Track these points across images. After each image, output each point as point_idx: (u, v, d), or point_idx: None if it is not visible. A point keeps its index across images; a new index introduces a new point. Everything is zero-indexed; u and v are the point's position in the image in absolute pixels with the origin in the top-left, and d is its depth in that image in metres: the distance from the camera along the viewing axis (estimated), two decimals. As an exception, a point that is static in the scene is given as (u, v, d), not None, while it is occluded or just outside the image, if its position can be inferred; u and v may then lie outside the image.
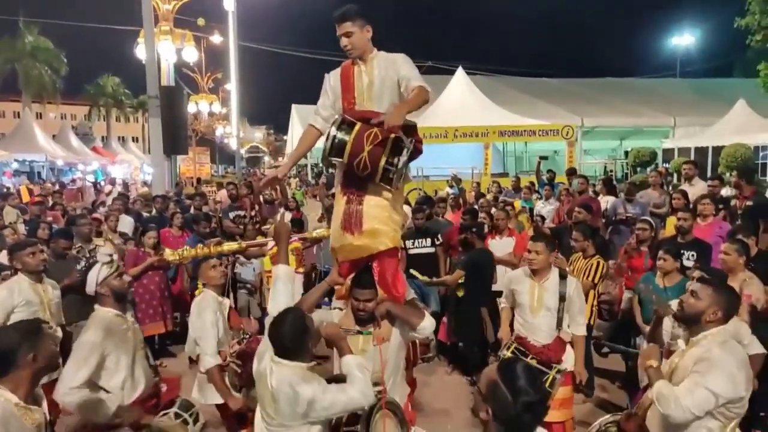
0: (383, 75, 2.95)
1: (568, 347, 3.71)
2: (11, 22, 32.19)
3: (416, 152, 2.86)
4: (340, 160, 2.83)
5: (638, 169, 18.56)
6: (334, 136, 2.79)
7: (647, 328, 3.67)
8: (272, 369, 2.42)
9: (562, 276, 3.74)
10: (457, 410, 4.82)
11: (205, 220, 6.68)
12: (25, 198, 12.63)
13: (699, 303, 2.56)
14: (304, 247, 5.55)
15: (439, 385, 5.35)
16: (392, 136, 2.75)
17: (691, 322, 2.61)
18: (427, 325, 2.91)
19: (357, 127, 2.79)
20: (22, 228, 7.13)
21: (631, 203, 7.34)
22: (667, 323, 3.36)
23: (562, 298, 3.65)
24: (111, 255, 3.19)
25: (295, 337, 2.42)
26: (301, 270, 5.30)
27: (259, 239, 5.88)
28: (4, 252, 5.17)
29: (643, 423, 2.65)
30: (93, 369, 2.81)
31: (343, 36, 2.92)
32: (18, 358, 2.00)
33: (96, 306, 3.05)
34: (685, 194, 6.44)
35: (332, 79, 3.08)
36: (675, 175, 15.65)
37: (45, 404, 2.21)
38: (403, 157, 2.76)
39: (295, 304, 3.15)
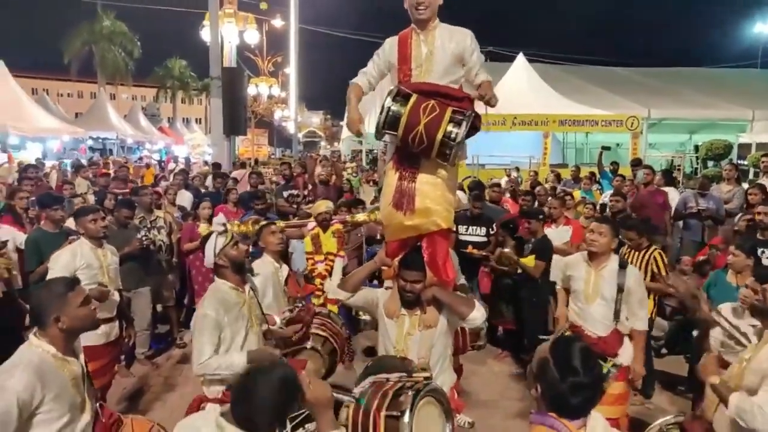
0: (446, 46, 2.82)
1: (626, 341, 3.48)
2: (90, 6, 33.97)
3: (473, 129, 2.73)
4: (395, 133, 2.72)
5: (709, 163, 17.34)
6: (389, 108, 2.67)
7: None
8: None
9: (622, 265, 3.50)
10: (504, 401, 4.69)
11: (263, 196, 6.80)
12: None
13: None
14: (345, 230, 5.52)
15: (487, 375, 5.23)
16: (450, 108, 2.63)
17: None
18: (477, 316, 2.78)
19: (413, 99, 2.66)
20: (91, 198, 7.50)
21: (704, 197, 6.88)
22: (717, 331, 3.10)
23: (620, 289, 3.42)
24: (224, 224, 3.06)
25: (279, 406, 1.72)
26: (342, 253, 5.26)
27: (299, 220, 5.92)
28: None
29: (709, 426, 2.45)
30: (216, 341, 2.74)
31: None
32: (46, 318, 2.15)
33: (215, 278, 2.95)
34: (763, 188, 5.98)
35: (388, 47, 2.95)
36: (751, 171, 14.56)
37: (82, 357, 2.34)
38: (462, 130, 2.60)
39: (341, 282, 3.13)
